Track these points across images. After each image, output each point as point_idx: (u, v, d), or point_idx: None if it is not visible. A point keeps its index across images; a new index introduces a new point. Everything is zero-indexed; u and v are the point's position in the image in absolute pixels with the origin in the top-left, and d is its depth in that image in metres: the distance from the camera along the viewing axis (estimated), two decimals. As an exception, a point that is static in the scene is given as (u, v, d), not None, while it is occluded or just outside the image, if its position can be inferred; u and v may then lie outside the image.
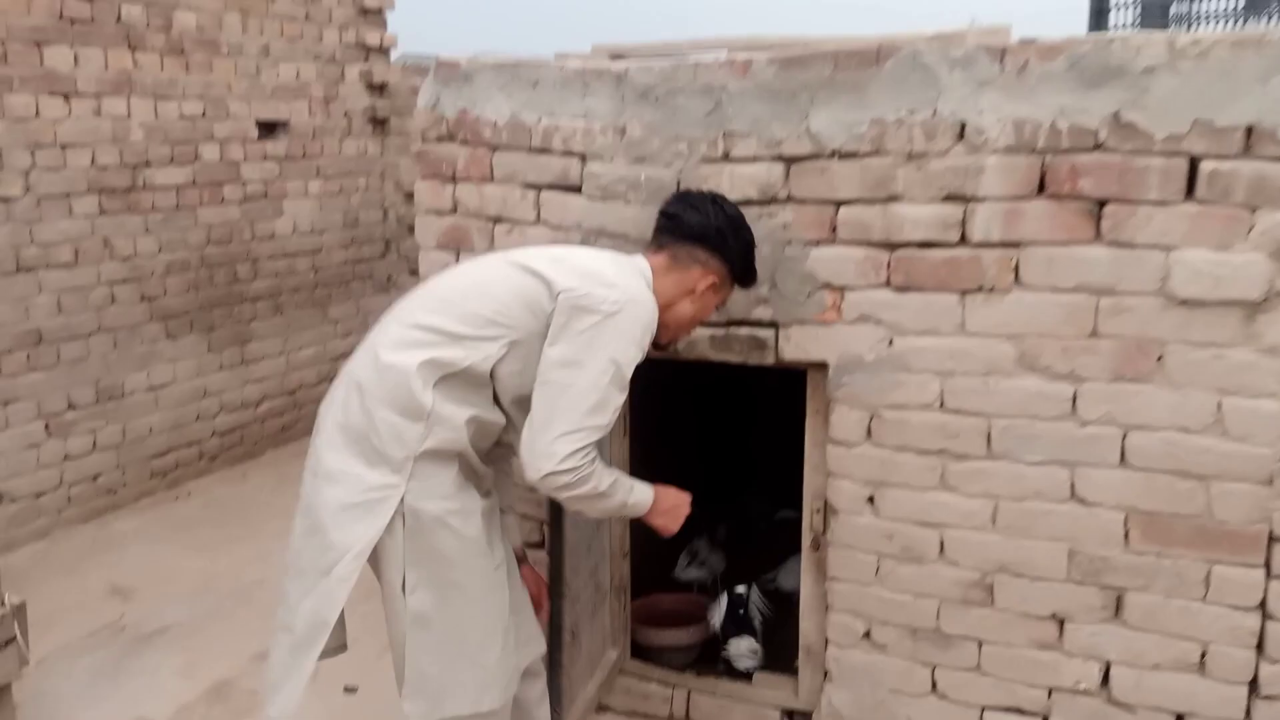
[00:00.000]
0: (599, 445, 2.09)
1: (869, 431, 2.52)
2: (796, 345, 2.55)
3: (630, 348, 2.06)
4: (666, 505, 2.32)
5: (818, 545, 2.74)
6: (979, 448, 2.42)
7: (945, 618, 2.55)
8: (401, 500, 2.05)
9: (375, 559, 2.10)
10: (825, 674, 2.75)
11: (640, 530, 2.62)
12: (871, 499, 2.56)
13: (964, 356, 2.38)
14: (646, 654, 3.21)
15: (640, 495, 2.23)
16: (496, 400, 2.15)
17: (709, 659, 3.22)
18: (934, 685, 2.61)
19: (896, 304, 2.42)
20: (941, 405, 2.43)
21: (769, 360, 2.60)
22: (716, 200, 2.30)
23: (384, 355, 2.08)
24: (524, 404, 2.10)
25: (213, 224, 5.09)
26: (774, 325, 2.57)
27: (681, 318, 2.26)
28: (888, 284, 2.42)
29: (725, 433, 4.64)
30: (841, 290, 2.47)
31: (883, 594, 2.60)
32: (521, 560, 2.49)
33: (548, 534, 2.67)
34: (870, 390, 2.49)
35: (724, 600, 3.25)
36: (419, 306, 2.15)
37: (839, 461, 2.57)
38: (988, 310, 2.34)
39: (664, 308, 2.18)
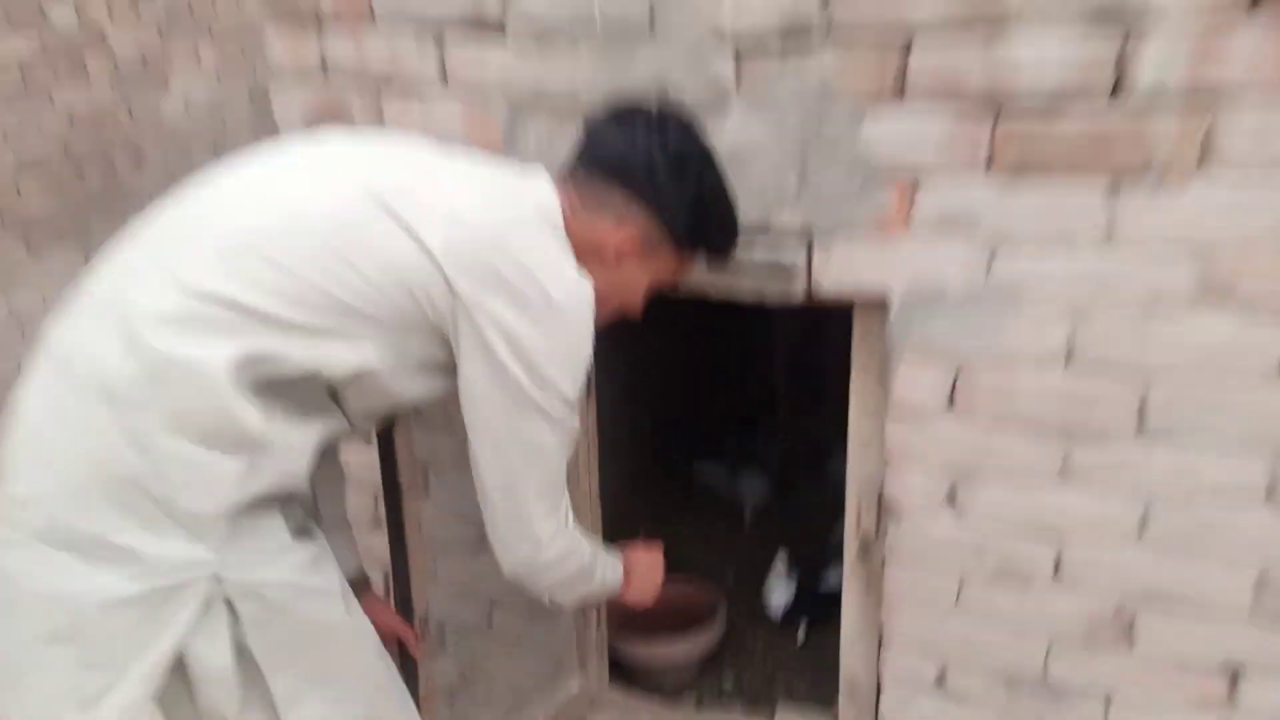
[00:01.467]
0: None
1: (952, 398, 1.65)
2: (841, 271, 1.66)
3: (580, 367, 1.34)
4: (639, 574, 1.71)
5: (868, 553, 1.90)
6: (1126, 423, 1.56)
7: (1058, 663, 1.74)
8: (217, 580, 1.24)
9: (177, 691, 1.28)
10: (877, 727, 1.95)
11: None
12: (953, 496, 1.71)
13: (1111, 284, 1.50)
14: (630, 673, 2.41)
15: (613, 568, 1.65)
16: (340, 407, 1.33)
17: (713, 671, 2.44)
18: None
19: (1004, 202, 1.52)
20: (1070, 359, 1.56)
21: (796, 295, 1.71)
22: (666, 121, 1.40)
23: (157, 340, 1.18)
24: (379, 415, 1.45)
25: (75, 108, 4.07)
26: (805, 239, 1.67)
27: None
28: (990, 169, 1.52)
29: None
30: (913, 182, 1.57)
31: (966, 628, 1.78)
32: (362, 590, 1.68)
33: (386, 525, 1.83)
34: (957, 336, 1.61)
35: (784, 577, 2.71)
36: (209, 257, 1.22)
37: (904, 442, 1.71)
38: (1155, 210, 1.45)
39: None
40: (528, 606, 2.11)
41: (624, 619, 2.33)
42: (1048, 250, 1.52)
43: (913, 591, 1.80)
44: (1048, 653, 1.74)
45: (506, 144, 1.82)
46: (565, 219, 1.34)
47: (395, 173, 1.30)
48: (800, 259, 1.67)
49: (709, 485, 3.60)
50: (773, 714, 2.20)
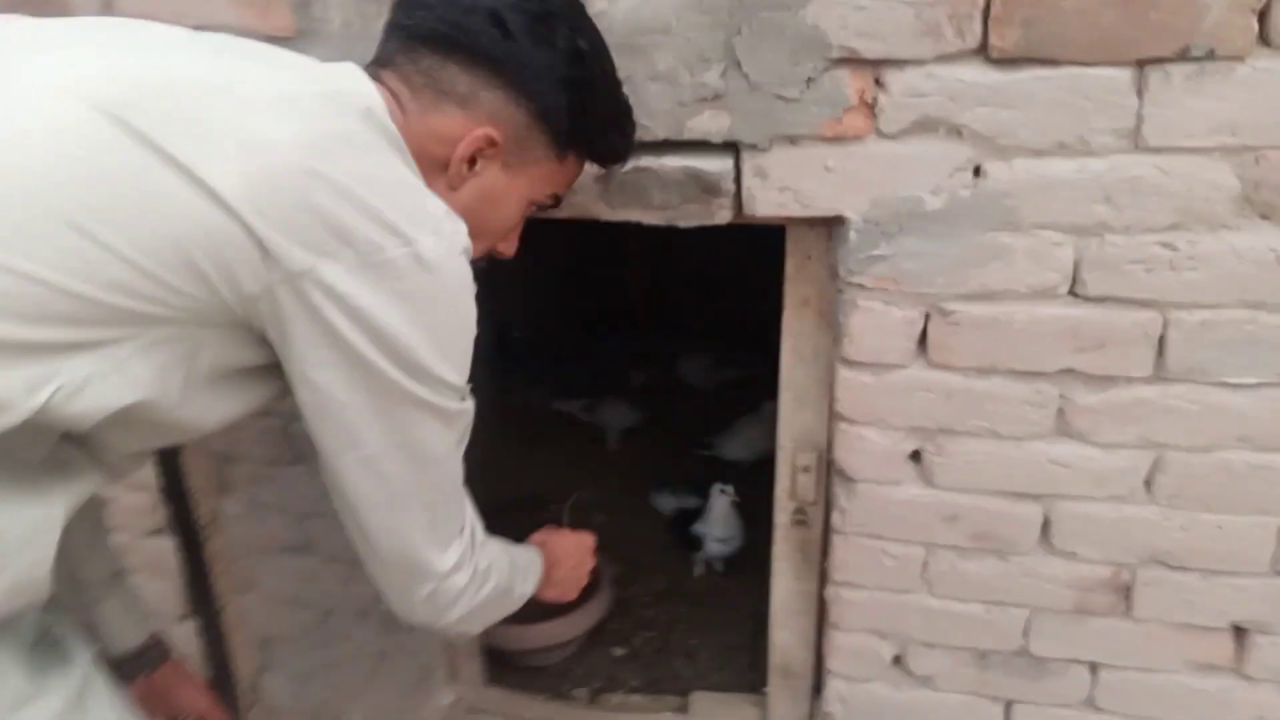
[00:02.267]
0: None
1: (923, 342, 1.31)
2: (780, 187, 1.26)
3: (468, 337, 0.94)
4: (564, 571, 1.37)
5: (805, 522, 1.58)
6: (1141, 362, 1.26)
7: (1040, 634, 1.48)
8: None
9: None
10: (820, 715, 1.67)
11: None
12: (918, 455, 1.39)
13: (1133, 193, 1.18)
14: (506, 662, 2.04)
15: (532, 570, 1.26)
16: (93, 457, 0.89)
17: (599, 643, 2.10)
18: (1008, 724, 1.58)
19: (998, 91, 1.16)
20: (1074, 290, 1.24)
21: (719, 218, 1.31)
22: None
23: None
24: (155, 451, 1.02)
25: None
26: (732, 149, 1.27)
27: None
28: (981, 51, 1.15)
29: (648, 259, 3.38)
30: (877, 66, 1.18)
31: (931, 603, 1.50)
32: (158, 660, 1.24)
33: (183, 575, 1.36)
34: (933, 266, 1.26)
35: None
36: None
37: (860, 395, 1.37)
38: (1194, 99, 1.12)
39: None
40: (376, 610, 1.70)
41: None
42: (1051, 154, 1.17)
43: (866, 565, 1.49)
44: (1027, 624, 1.48)
45: (300, 35, 1.31)
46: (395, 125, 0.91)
47: (145, 82, 0.80)
48: (726, 171, 1.26)
49: (567, 413, 3.21)
50: (685, 706, 1.88)
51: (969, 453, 1.36)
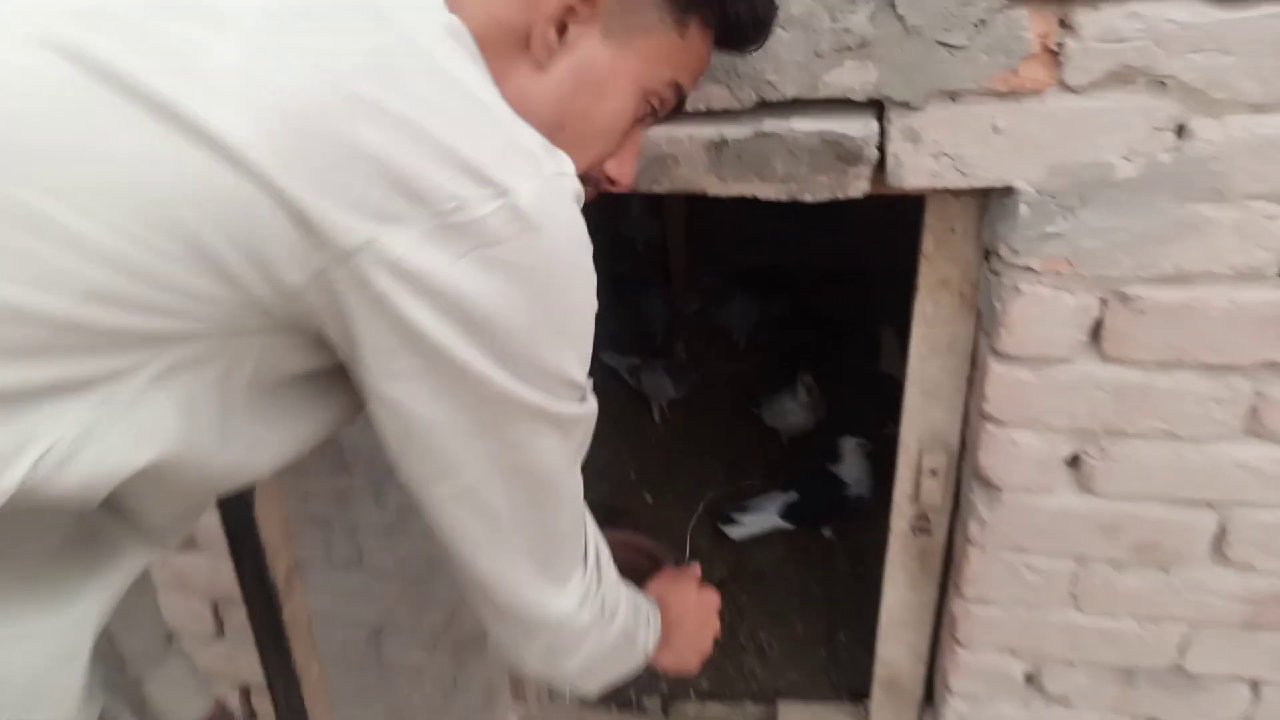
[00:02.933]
0: None
1: (1097, 332, 1.12)
2: (936, 153, 1.06)
3: (588, 314, 0.69)
4: (687, 630, 1.05)
5: (926, 529, 1.40)
6: (1360, 351, 1.07)
7: (1199, 650, 1.31)
8: None
9: None
10: (938, 735, 1.50)
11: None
12: (1075, 460, 1.20)
13: (1373, 154, 0.98)
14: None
15: (651, 614, 0.98)
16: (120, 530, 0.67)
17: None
18: (1150, 746, 1.42)
19: (1217, 33, 0.95)
20: (1286, 269, 1.05)
21: (857, 189, 1.10)
22: None
23: None
24: (188, 511, 0.74)
25: None
26: (877, 108, 1.06)
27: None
28: (1203, -21, 0.94)
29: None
30: (1065, 4, 0.97)
31: (1077, 619, 1.32)
32: None
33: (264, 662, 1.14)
34: (1117, 244, 1.06)
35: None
36: None
37: (1013, 395, 1.18)
38: None
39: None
40: (427, 629, 1.53)
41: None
42: (1277, 109, 0.97)
43: (1005, 580, 1.31)
44: (1185, 640, 1.31)
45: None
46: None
47: (109, 6, 0.57)
48: (869, 135, 1.06)
49: (613, 369, 3.01)
50: (772, 717, 1.71)
51: (1138, 456, 1.18)
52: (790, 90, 1.05)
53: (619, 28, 0.73)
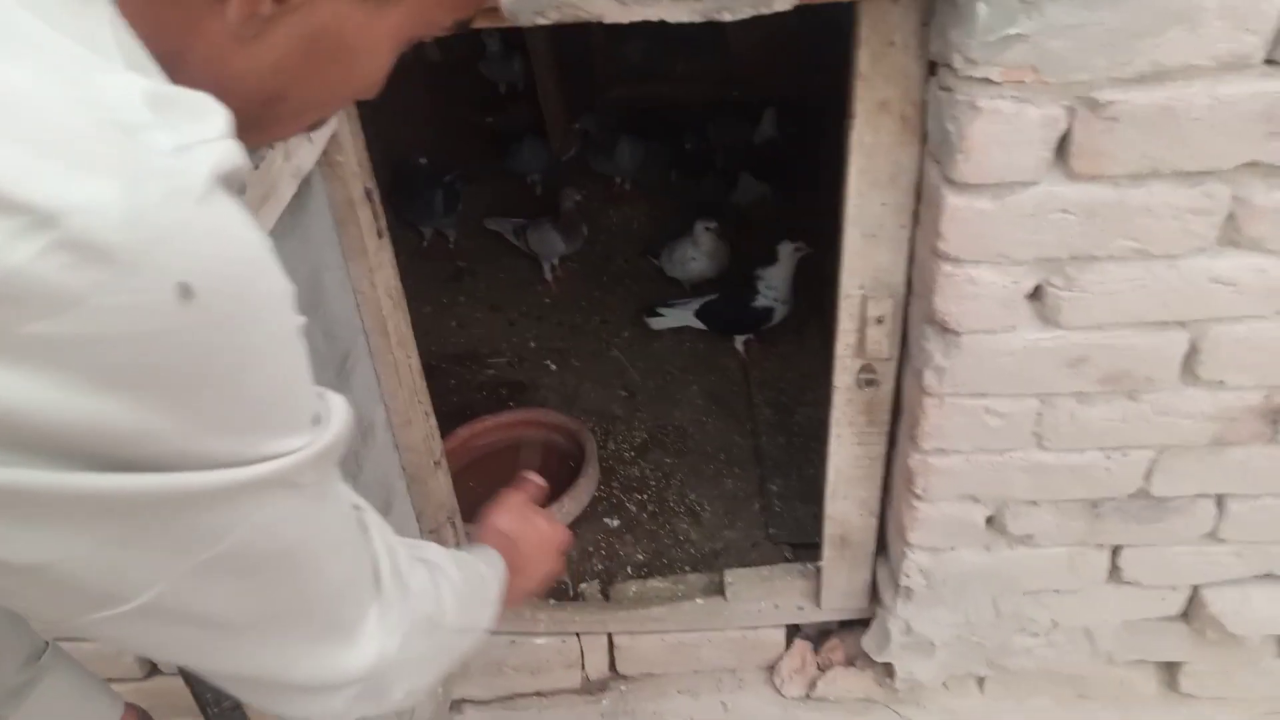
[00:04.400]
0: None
1: (1063, 148, 0.98)
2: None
3: (271, 361, 0.41)
4: (529, 554, 0.89)
5: (873, 380, 1.28)
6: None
7: (1165, 472, 1.24)
8: None
9: None
10: (895, 589, 1.43)
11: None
12: (1038, 292, 1.09)
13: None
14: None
15: (485, 579, 0.78)
16: None
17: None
18: (1113, 570, 1.38)
19: None
20: (1272, 57, 0.91)
21: (785, 0, 0.92)
22: None
23: None
24: None
25: None
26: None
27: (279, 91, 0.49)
28: None
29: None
30: None
31: (1042, 458, 1.24)
32: None
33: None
34: (1091, 43, 0.91)
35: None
36: None
37: (972, 228, 1.04)
38: None
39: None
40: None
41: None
42: None
43: (965, 428, 1.21)
44: (1152, 465, 1.24)
45: None
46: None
47: None
48: (793, -63, 0.86)
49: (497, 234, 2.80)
50: (719, 587, 1.62)
51: (1107, 281, 1.06)
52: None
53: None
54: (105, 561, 0.40)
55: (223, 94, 0.41)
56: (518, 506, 0.93)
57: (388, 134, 2.77)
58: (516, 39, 3.02)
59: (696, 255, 2.55)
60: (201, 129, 0.38)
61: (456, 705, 1.69)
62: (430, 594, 0.63)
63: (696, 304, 2.43)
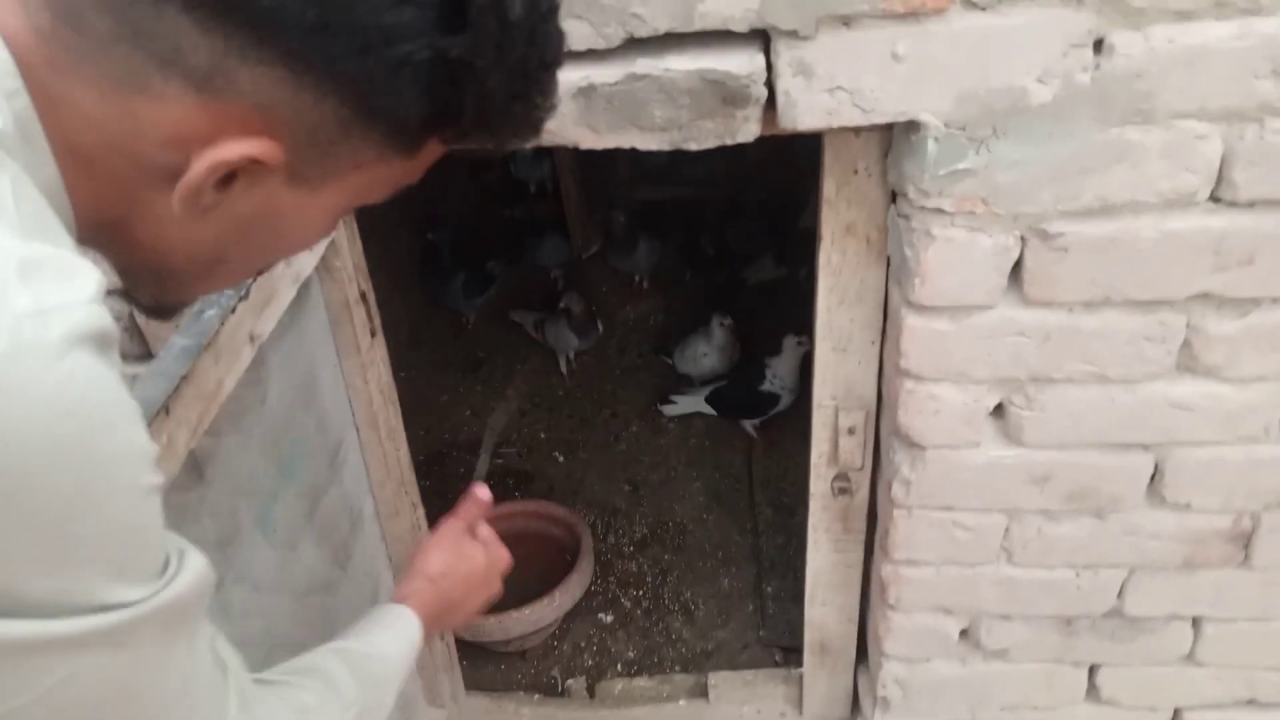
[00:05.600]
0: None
1: (1017, 275, 1.02)
2: (832, 87, 0.93)
3: (116, 508, 0.43)
4: (464, 593, 0.91)
5: (847, 489, 1.30)
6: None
7: (1139, 592, 1.25)
8: None
9: None
10: (874, 699, 1.43)
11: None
12: (1000, 410, 1.11)
13: (1308, 60, 0.88)
14: (482, 653, 1.76)
15: (401, 639, 0.82)
16: None
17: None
18: (1091, 689, 1.37)
19: (1137, -69, 0.84)
20: (1216, 195, 0.96)
21: (747, 133, 0.97)
22: None
23: None
24: None
25: None
26: (762, 39, 0.92)
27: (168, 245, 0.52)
28: None
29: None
30: (967, -92, 0.84)
31: (1012, 573, 1.25)
32: None
33: None
34: (1038, 178, 0.95)
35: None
36: None
37: (932, 348, 1.07)
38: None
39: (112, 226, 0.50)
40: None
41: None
42: (1205, 16, 0.86)
43: (934, 540, 1.23)
44: (1124, 584, 1.24)
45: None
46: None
47: None
48: (755, 72, 0.92)
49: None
50: (703, 689, 1.62)
51: (1068, 402, 1.09)
52: (662, 23, 0.91)
53: (315, 172, 0.51)
54: None
55: (167, 255, 0.47)
56: (451, 541, 0.92)
57: (419, 220, 2.87)
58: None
59: (709, 350, 2.59)
60: (65, 293, 0.40)
61: (438, 797, 1.69)
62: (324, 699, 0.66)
63: (708, 390, 2.51)
